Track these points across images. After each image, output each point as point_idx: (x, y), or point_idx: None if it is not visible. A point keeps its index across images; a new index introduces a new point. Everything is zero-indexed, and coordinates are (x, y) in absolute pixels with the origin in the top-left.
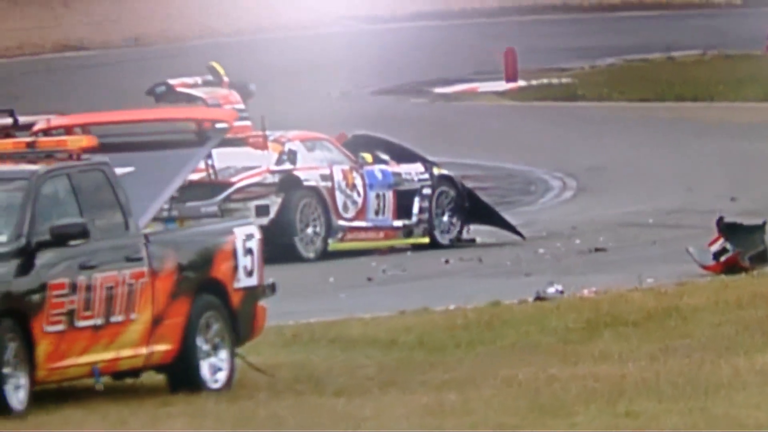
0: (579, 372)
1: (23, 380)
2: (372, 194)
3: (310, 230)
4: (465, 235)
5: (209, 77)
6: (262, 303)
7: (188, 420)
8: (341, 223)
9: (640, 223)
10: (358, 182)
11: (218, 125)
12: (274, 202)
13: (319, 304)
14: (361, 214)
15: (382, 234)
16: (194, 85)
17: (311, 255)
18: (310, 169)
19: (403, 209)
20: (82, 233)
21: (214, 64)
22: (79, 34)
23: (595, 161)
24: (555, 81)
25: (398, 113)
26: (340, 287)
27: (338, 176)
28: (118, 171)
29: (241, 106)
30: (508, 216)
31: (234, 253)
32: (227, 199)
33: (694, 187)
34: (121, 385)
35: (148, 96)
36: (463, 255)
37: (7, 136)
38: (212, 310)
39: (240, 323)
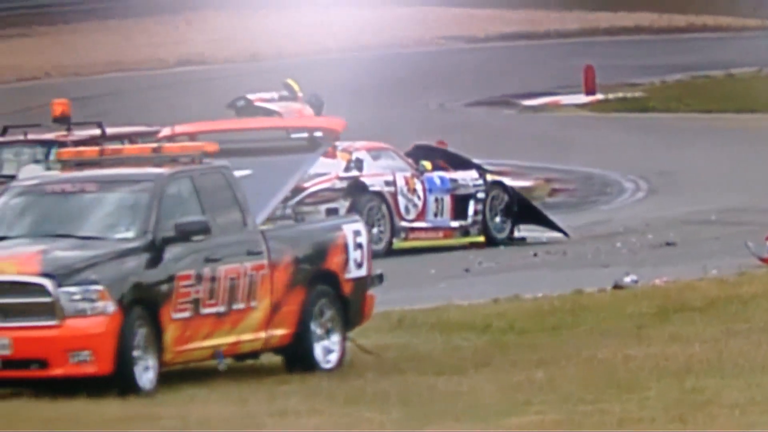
0: (651, 352)
1: (152, 362)
2: (431, 198)
3: (375, 230)
4: (516, 234)
5: (285, 93)
6: (371, 292)
7: (303, 397)
8: (403, 224)
9: (705, 221)
10: (419, 187)
11: (327, 133)
12: (343, 206)
13: (421, 292)
14: (421, 216)
15: (441, 233)
16: (271, 100)
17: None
18: (375, 176)
19: (459, 211)
20: (204, 230)
21: (290, 81)
22: (200, 49)
23: (664, 166)
24: (629, 95)
25: (490, 123)
26: (440, 277)
27: (401, 182)
28: (237, 174)
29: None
30: (556, 216)
31: (345, 247)
32: (300, 202)
33: (752, 188)
34: (241, 365)
35: (229, 109)
36: (549, 249)
37: (97, 145)
38: (325, 298)
39: (350, 310)
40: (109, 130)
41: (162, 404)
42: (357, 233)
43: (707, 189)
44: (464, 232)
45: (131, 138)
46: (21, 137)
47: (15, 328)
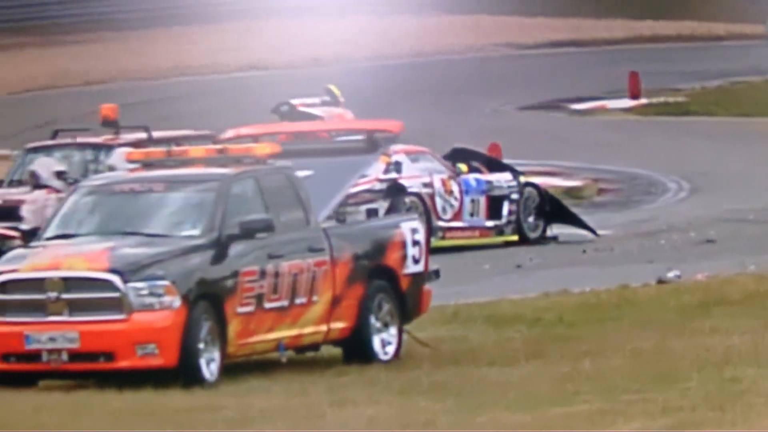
0: (692, 344)
1: (216, 354)
2: (467, 199)
3: None
4: (548, 233)
5: (327, 98)
6: (427, 286)
7: (361, 387)
8: (440, 224)
9: (743, 219)
10: (455, 189)
11: (385, 135)
12: (382, 206)
13: (475, 287)
14: (457, 216)
15: (476, 233)
16: (313, 105)
17: None
18: (413, 178)
19: (494, 212)
20: (268, 227)
21: (332, 87)
22: (262, 55)
23: (705, 167)
24: (671, 99)
25: (541, 126)
26: (493, 273)
27: (438, 184)
28: (299, 174)
29: None
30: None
31: (403, 244)
32: (342, 203)
33: None
34: (302, 358)
35: (273, 114)
36: (597, 246)
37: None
38: (384, 293)
39: (408, 304)
40: (156, 134)
41: (225, 395)
42: (414, 231)
43: (745, 189)
44: (499, 231)
45: (177, 141)
46: (70, 140)
47: (83, 322)
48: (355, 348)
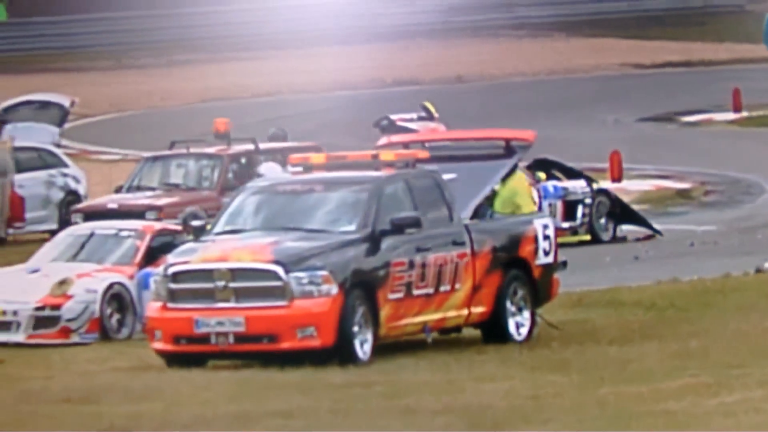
0: None
1: (368, 336)
2: (545, 203)
3: None
4: (618, 234)
5: (423, 114)
6: (556, 275)
7: (497, 364)
8: None
9: None
10: (535, 194)
11: (521, 143)
12: None
13: (598, 276)
14: None
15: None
16: (411, 120)
17: None
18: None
19: (569, 214)
20: (416, 224)
21: (427, 104)
22: (412, 72)
23: None
24: None
25: (656, 136)
26: (613, 264)
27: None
28: (445, 177)
29: None
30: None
31: (535, 238)
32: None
33: None
34: (446, 338)
35: (375, 128)
36: (704, 239)
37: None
38: (518, 281)
39: (539, 290)
40: (262, 146)
41: (377, 372)
42: (545, 227)
43: None
44: (573, 231)
45: (283, 152)
46: (185, 151)
47: (248, 308)
48: (493, 330)
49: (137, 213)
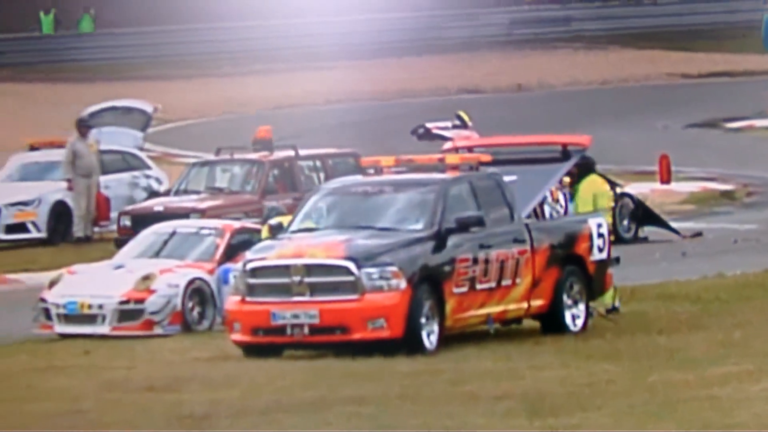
0: None
1: (435, 327)
2: (571, 206)
3: None
4: (640, 235)
5: (457, 122)
6: (610, 270)
7: (554, 354)
8: None
9: None
10: (561, 198)
11: (576, 147)
12: None
13: (648, 271)
14: None
15: None
16: (445, 128)
17: None
18: None
19: None
20: (479, 222)
21: (461, 113)
22: (476, 80)
23: None
24: None
25: (702, 141)
26: (663, 259)
27: (546, 193)
28: (506, 179)
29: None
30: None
31: (590, 236)
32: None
33: None
34: (507, 329)
35: (412, 135)
36: (747, 237)
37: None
38: (574, 276)
39: (594, 285)
40: (302, 152)
41: (443, 361)
42: (599, 225)
43: None
44: None
45: (322, 158)
46: (229, 157)
47: (322, 301)
48: (551, 321)
49: (181, 215)
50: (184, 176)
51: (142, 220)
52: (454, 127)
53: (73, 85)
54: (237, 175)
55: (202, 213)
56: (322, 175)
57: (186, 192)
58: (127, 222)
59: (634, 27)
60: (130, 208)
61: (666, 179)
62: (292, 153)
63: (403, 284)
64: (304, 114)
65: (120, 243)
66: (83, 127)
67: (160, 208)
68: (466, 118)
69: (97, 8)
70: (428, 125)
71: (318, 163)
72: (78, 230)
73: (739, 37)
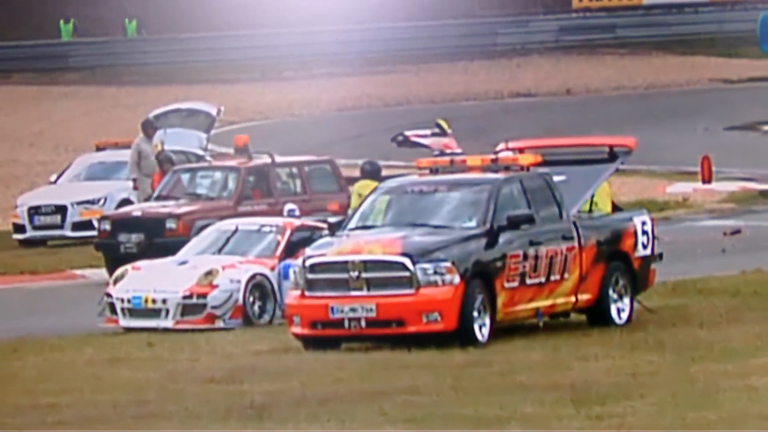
0: None
1: (486, 321)
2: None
3: None
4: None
5: (437, 130)
6: (653, 266)
7: (600, 345)
8: None
9: None
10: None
11: (623, 149)
12: None
13: (690, 266)
14: None
15: None
16: (424, 136)
17: None
18: None
19: None
20: (530, 220)
21: (440, 121)
22: (528, 84)
23: None
24: None
25: (740, 142)
26: (704, 256)
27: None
28: (555, 178)
29: (458, 150)
30: None
31: (635, 233)
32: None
33: None
34: (555, 322)
35: (392, 142)
36: None
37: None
38: (619, 271)
39: (638, 280)
40: (278, 159)
41: (494, 353)
42: (644, 223)
43: None
44: None
45: (298, 165)
46: (207, 164)
47: (378, 296)
48: (597, 314)
49: (158, 220)
50: (166, 182)
51: (121, 224)
52: (433, 134)
53: (139, 87)
54: (214, 182)
55: (178, 218)
56: (298, 182)
57: (167, 197)
58: (107, 226)
59: (677, 34)
60: (110, 213)
61: (707, 179)
62: (268, 160)
63: (457, 279)
64: (363, 116)
65: (99, 247)
66: (149, 128)
67: (138, 213)
68: (445, 126)
69: (143, 16)
70: (407, 133)
71: (294, 170)
72: None
73: None
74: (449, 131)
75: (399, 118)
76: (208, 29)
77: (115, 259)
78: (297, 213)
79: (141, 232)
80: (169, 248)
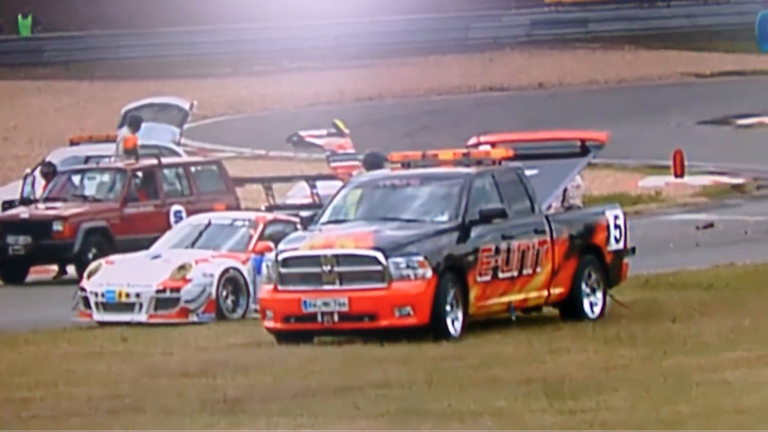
0: None
1: (459, 315)
2: None
3: None
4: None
5: (333, 130)
6: (626, 260)
7: (573, 339)
8: None
9: None
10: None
11: (595, 143)
12: None
13: (661, 260)
14: None
15: None
16: (319, 136)
17: None
18: None
19: None
20: (502, 214)
21: (337, 121)
22: (500, 79)
23: None
24: None
25: (713, 136)
26: (677, 250)
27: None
28: (527, 172)
29: (351, 150)
30: None
31: (608, 227)
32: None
33: None
34: (527, 316)
35: (287, 143)
36: (756, 228)
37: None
38: (592, 265)
39: (611, 274)
40: (165, 160)
41: (467, 347)
42: (616, 217)
43: None
44: None
45: (185, 167)
46: (95, 166)
47: (351, 290)
48: (569, 308)
49: (45, 222)
50: (54, 184)
51: (9, 226)
52: (329, 135)
53: (112, 82)
54: (102, 183)
55: (65, 220)
56: (185, 183)
57: (56, 199)
58: None
59: (649, 28)
60: None
61: (680, 173)
62: (155, 161)
63: (429, 273)
64: (335, 111)
65: None
66: (136, 123)
67: (26, 216)
68: (341, 126)
69: (105, 12)
70: (302, 133)
71: (181, 171)
72: None
73: (750, 38)
74: (346, 131)
75: (371, 113)
76: (180, 24)
77: (2, 260)
78: (183, 215)
79: (28, 234)
80: (57, 250)
